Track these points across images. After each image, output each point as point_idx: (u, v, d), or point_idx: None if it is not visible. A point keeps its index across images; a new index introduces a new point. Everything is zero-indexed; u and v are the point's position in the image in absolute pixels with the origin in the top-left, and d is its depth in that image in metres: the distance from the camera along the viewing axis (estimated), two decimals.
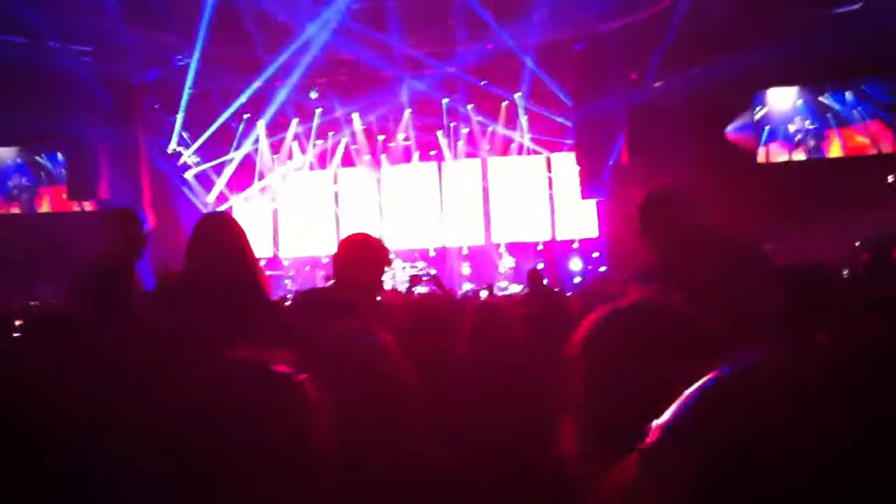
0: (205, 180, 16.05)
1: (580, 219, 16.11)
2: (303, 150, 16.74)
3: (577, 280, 14.54)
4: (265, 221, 16.75)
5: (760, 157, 15.02)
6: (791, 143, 14.97)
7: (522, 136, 16.46)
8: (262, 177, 16.74)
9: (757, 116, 14.97)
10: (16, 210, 15.23)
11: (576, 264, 15.57)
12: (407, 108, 16.25)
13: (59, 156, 15.35)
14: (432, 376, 2.44)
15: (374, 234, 3.91)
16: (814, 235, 11.16)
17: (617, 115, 14.26)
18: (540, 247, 16.33)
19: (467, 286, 14.92)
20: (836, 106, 14.82)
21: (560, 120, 15.87)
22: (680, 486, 0.76)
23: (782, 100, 15.06)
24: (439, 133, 16.68)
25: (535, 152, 16.70)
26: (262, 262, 15.63)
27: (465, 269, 15.99)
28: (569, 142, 15.87)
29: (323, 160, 16.95)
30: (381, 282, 3.80)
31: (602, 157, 14.46)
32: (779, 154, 15.00)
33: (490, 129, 16.61)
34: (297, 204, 16.99)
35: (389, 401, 2.11)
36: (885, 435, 0.69)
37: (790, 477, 0.69)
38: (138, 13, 13.16)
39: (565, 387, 1.58)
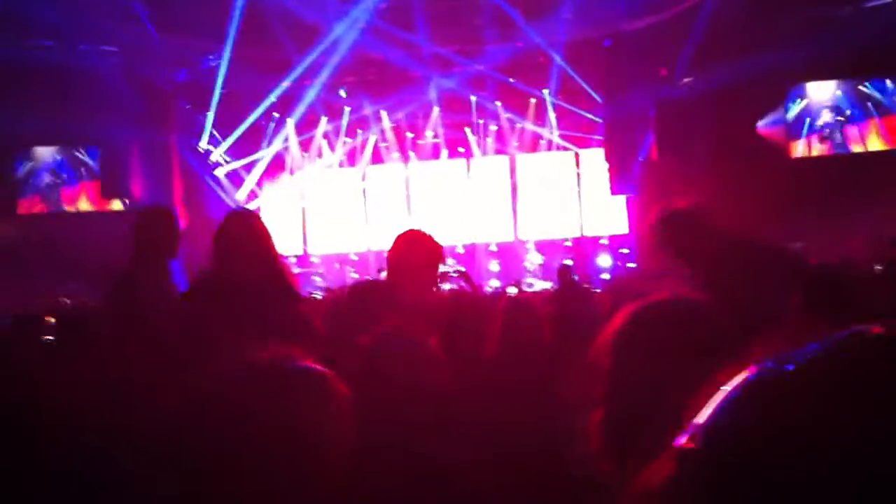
0: (235, 178, 16.16)
1: (609, 215, 16.02)
2: (332, 148, 16.80)
3: (605, 277, 14.46)
4: (295, 219, 16.83)
5: (801, 151, 14.84)
6: (821, 136, 14.82)
7: (551, 132, 16.41)
8: (291, 174, 16.83)
9: (795, 110, 14.80)
10: (41, 208, 15.36)
11: (605, 261, 15.49)
12: (435, 105, 16.25)
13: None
14: (461, 374, 2.44)
15: (425, 230, 3.89)
16: (845, 231, 11.03)
17: (646, 111, 14.18)
18: (568, 243, 16.26)
19: (495, 283, 14.90)
20: (877, 95, 14.62)
21: (589, 116, 15.80)
22: (717, 487, 0.75)
23: (821, 91, 14.89)
24: (468, 130, 16.67)
25: (564, 148, 16.64)
26: (292, 259, 15.84)
27: (494, 266, 15.96)
28: (598, 138, 15.79)
29: (352, 158, 17.00)
30: (435, 278, 3.79)
31: (631, 154, 14.39)
32: (816, 147, 14.85)
33: (519, 125, 16.57)
34: (326, 201, 17.05)
35: (424, 406, 2.10)
36: None
37: (835, 478, 0.67)
38: (168, 16, 13.28)
39: (595, 384, 1.58)
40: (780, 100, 14.76)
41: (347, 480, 1.48)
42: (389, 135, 16.77)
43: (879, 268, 6.78)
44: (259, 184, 16.51)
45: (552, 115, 16.16)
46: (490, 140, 16.78)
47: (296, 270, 14.71)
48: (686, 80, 14.01)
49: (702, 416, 0.79)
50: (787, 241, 10.55)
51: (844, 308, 2.90)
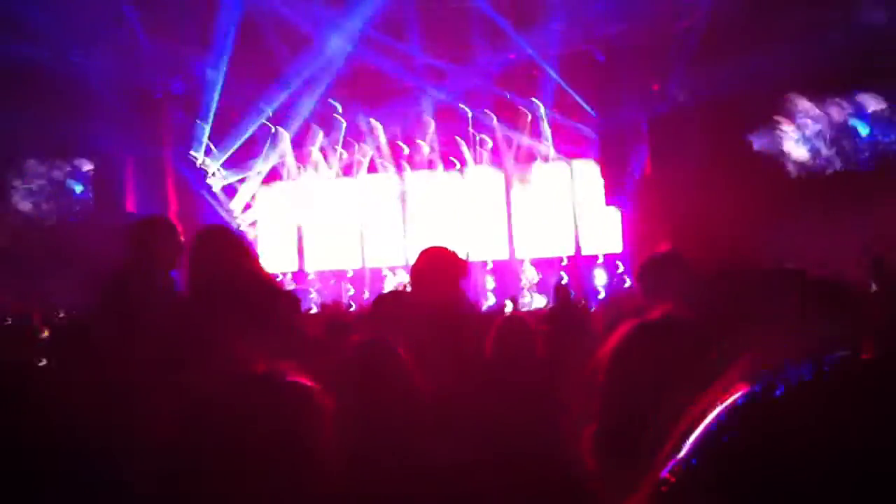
0: (231, 192, 16.15)
1: (604, 232, 16.03)
2: (327, 161, 16.80)
3: (601, 295, 14.47)
4: (290, 234, 16.81)
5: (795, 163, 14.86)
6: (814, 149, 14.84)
7: (546, 145, 16.42)
8: (287, 187, 16.82)
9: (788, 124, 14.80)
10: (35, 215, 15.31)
11: (600, 278, 15.49)
12: (430, 118, 16.28)
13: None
14: (454, 388, 2.44)
15: (450, 246, 3.91)
16: (837, 245, 11.05)
17: (639, 125, 14.23)
18: (564, 261, 16.26)
19: (491, 299, 14.89)
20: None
21: (583, 129, 15.83)
22: None
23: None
24: (462, 142, 16.68)
25: (559, 161, 16.60)
26: (288, 276, 15.80)
27: (490, 283, 15.96)
28: (592, 152, 15.83)
29: (348, 171, 16.99)
30: (459, 294, 3.79)
31: (625, 168, 14.43)
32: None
33: (513, 138, 16.59)
34: (321, 215, 17.03)
35: (403, 410, 2.11)
36: None
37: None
38: (164, 27, 13.31)
39: (590, 400, 1.57)
40: (772, 114, 14.78)
41: (331, 487, 1.48)
42: (385, 148, 16.77)
43: (874, 286, 6.80)
44: (254, 197, 16.50)
45: (547, 129, 16.18)
46: (485, 153, 16.79)
47: (291, 286, 14.70)
48: (678, 94, 14.06)
49: (684, 445, 0.77)
50: (779, 254, 10.62)
51: (838, 321, 2.90)
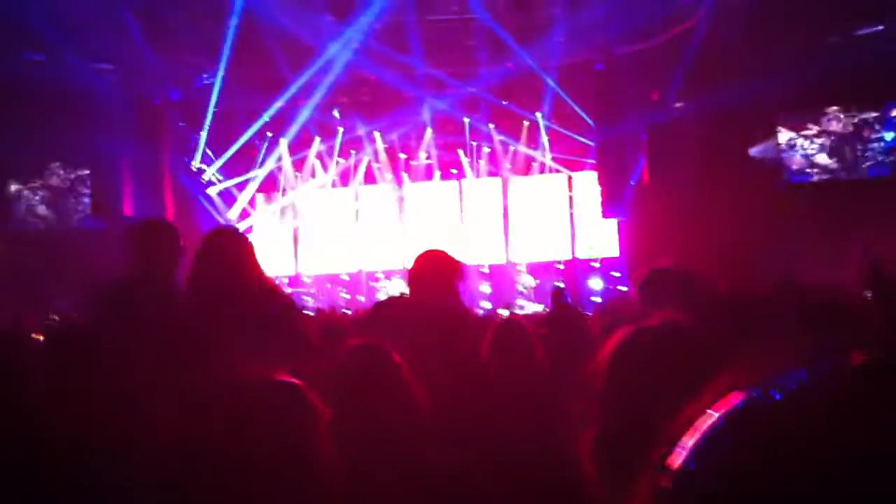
0: (228, 197, 16.16)
1: (601, 238, 16.06)
2: (325, 169, 16.82)
3: (597, 300, 14.48)
4: (287, 239, 16.83)
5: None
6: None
7: (544, 155, 16.47)
8: (284, 194, 16.84)
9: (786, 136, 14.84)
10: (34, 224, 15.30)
11: (596, 284, 15.51)
12: (428, 126, 16.31)
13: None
14: (453, 392, 2.45)
15: (448, 250, 3.93)
16: (836, 256, 11.08)
17: (638, 135, 14.25)
18: (561, 266, 16.28)
19: (486, 305, 14.89)
20: None
21: (581, 139, 15.87)
22: None
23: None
24: (461, 152, 16.72)
25: (557, 171, 16.69)
26: (284, 280, 15.78)
27: (485, 288, 15.96)
28: (590, 161, 15.87)
29: (345, 178, 17.02)
30: (455, 295, 3.80)
31: (623, 177, 14.44)
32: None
33: (511, 148, 16.63)
34: (318, 222, 17.06)
35: (398, 414, 2.12)
36: None
37: None
38: (162, 33, 13.31)
39: (587, 405, 1.58)
40: (771, 125, 14.82)
41: (329, 492, 1.49)
42: (382, 156, 16.80)
43: (869, 294, 6.80)
44: (252, 203, 16.52)
45: (545, 138, 16.22)
46: (483, 162, 16.83)
47: (287, 291, 14.69)
48: (677, 104, 14.09)
49: (679, 451, 0.77)
50: (776, 265, 10.65)
51: (836, 330, 2.91)
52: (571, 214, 16.71)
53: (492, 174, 16.92)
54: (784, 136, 14.76)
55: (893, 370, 0.71)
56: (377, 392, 2.15)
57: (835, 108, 14.62)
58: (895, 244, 11.02)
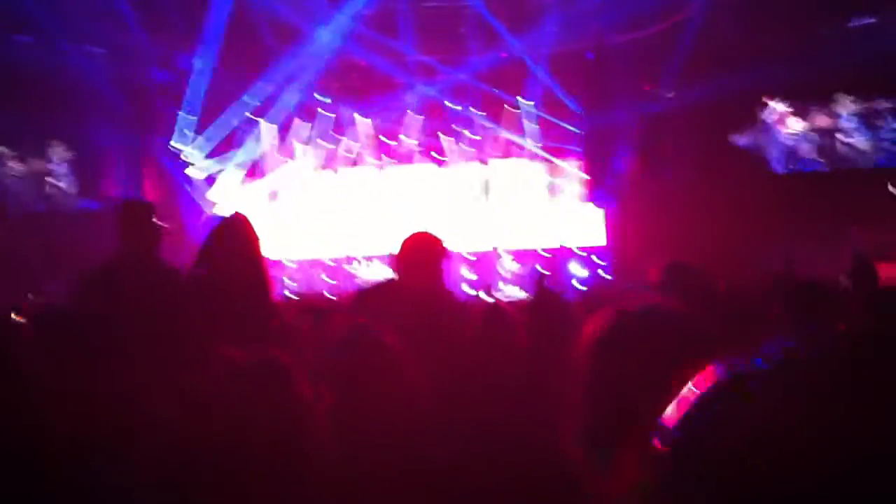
0: (210, 180, 16.05)
1: (587, 226, 16.07)
2: (308, 152, 16.73)
3: (580, 287, 14.50)
4: (269, 222, 16.74)
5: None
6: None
7: (529, 141, 16.43)
8: (266, 177, 16.75)
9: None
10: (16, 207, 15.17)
11: (580, 271, 15.53)
12: (412, 111, 16.26)
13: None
14: (441, 377, 2.45)
15: (431, 232, 3.95)
16: (826, 247, 11.16)
17: (627, 125, 14.26)
18: (545, 253, 16.28)
19: (468, 289, 14.89)
20: None
21: (568, 127, 15.86)
22: (687, 488, 0.74)
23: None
24: (444, 137, 16.67)
25: (542, 157, 16.65)
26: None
27: (467, 273, 15.95)
28: (576, 149, 15.87)
29: (328, 162, 16.94)
30: (441, 277, 3.83)
31: (610, 166, 14.46)
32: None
33: (497, 134, 16.60)
34: (301, 205, 16.98)
35: (395, 398, 2.12)
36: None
37: (802, 476, 0.67)
38: (148, 15, 13.20)
39: (571, 388, 1.58)
40: (762, 117, 14.86)
41: (323, 478, 1.49)
42: (365, 140, 16.72)
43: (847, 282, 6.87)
44: (234, 186, 16.41)
45: (531, 125, 16.20)
46: (467, 147, 16.78)
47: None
48: (669, 95, 14.11)
49: (670, 416, 0.79)
50: (765, 255, 10.71)
51: (824, 318, 2.95)
52: (556, 201, 16.69)
53: (475, 159, 16.87)
54: (773, 126, 14.80)
55: (865, 340, 0.73)
56: (368, 374, 2.15)
57: (826, 100, 14.68)
58: (885, 235, 11.13)
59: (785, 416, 0.69)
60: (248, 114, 15.73)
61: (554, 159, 16.54)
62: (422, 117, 16.35)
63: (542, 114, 15.89)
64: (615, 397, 1.50)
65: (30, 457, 1.79)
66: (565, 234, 16.36)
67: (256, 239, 3.54)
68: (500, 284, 15.25)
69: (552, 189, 16.70)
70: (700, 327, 1.59)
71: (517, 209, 16.76)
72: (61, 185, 15.04)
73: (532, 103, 15.74)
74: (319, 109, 16.16)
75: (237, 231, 3.54)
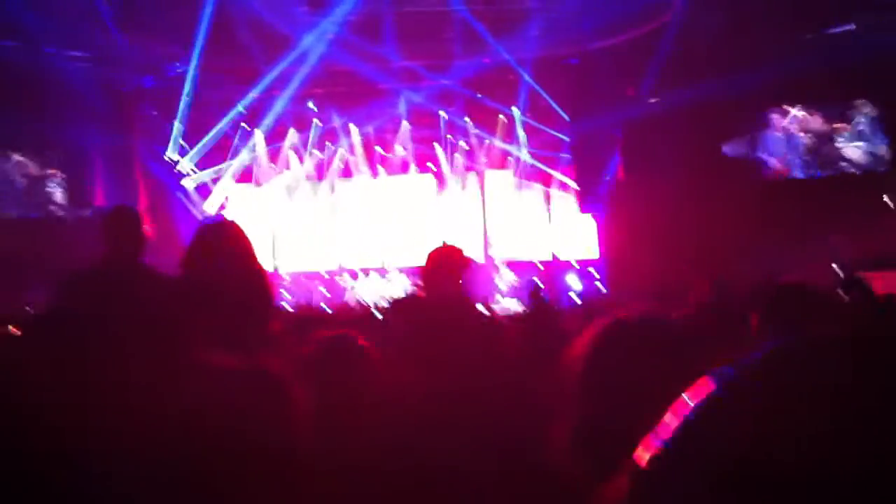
0: (202, 189, 16.02)
1: (580, 237, 16.08)
2: (300, 161, 16.73)
3: (575, 300, 14.49)
4: (262, 233, 16.71)
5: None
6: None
7: (520, 149, 16.44)
8: (259, 186, 16.73)
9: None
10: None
11: (575, 283, 15.52)
12: (404, 120, 16.27)
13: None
14: (432, 385, 2.44)
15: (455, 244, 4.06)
16: (810, 253, 11.18)
17: (613, 130, 14.30)
18: (539, 266, 16.27)
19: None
20: None
21: (558, 135, 15.88)
22: (679, 495, 0.74)
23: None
24: (437, 146, 16.68)
25: (533, 166, 16.62)
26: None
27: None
28: (565, 156, 15.90)
29: (320, 171, 16.93)
30: (466, 290, 3.92)
31: (599, 173, 14.49)
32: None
33: (487, 142, 16.61)
34: (294, 215, 16.96)
35: (375, 406, 2.12)
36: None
37: (793, 483, 0.67)
38: (136, 21, 13.20)
39: (566, 395, 1.57)
40: (746, 121, 14.89)
41: (307, 477, 1.48)
42: (358, 149, 16.72)
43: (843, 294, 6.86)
44: (225, 195, 16.38)
45: (521, 133, 16.21)
46: (459, 156, 16.80)
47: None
48: (653, 99, 14.14)
49: (660, 430, 0.80)
50: (751, 261, 10.73)
51: (806, 323, 2.96)
52: (550, 213, 16.70)
53: (468, 168, 16.89)
54: (759, 132, 14.82)
55: (852, 343, 0.74)
56: (348, 383, 2.15)
57: (809, 105, 14.71)
58: (869, 241, 11.16)
59: (775, 422, 0.71)
60: (241, 123, 15.73)
61: (545, 168, 16.53)
62: (410, 126, 16.37)
63: (530, 121, 15.91)
64: (610, 406, 1.48)
65: (16, 465, 1.77)
66: (560, 245, 16.36)
67: (247, 243, 3.52)
68: (498, 297, 15.23)
69: (546, 199, 16.71)
70: (694, 336, 1.58)
71: (512, 220, 16.77)
72: (50, 191, 14.98)
73: (518, 111, 15.77)
74: (315, 121, 16.16)
75: (223, 235, 3.51)
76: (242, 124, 15.84)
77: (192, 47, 13.61)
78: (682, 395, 0.81)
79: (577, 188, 14.97)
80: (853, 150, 14.57)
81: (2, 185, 14.89)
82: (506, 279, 15.83)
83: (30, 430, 1.82)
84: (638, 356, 1.52)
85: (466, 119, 16.20)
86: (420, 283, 4.00)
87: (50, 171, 14.93)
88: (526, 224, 16.66)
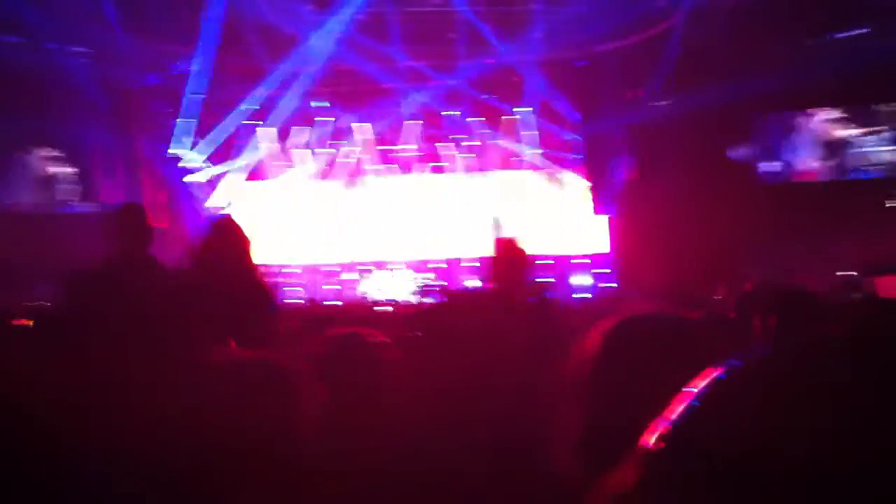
0: (206, 186, 16.05)
1: (590, 234, 16.06)
2: (307, 159, 16.75)
3: (584, 295, 14.49)
4: (266, 229, 16.72)
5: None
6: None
7: (528, 150, 16.43)
8: (266, 184, 16.77)
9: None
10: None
11: (584, 279, 15.51)
12: (411, 119, 16.27)
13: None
14: (438, 383, 2.43)
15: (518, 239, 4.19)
16: (814, 257, 11.19)
17: (623, 132, 14.30)
18: (550, 261, 16.23)
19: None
20: None
21: (567, 136, 15.88)
22: (682, 486, 0.77)
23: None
24: (443, 145, 16.67)
25: (542, 167, 16.64)
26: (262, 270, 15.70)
27: (472, 282, 15.96)
28: (575, 157, 15.91)
29: (327, 169, 16.95)
30: (530, 281, 4.03)
31: (610, 174, 14.49)
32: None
33: (495, 142, 16.60)
34: (300, 212, 16.99)
35: (387, 402, 2.12)
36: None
37: (793, 473, 0.70)
38: (142, 19, 13.24)
39: (574, 394, 1.56)
40: (752, 125, 14.87)
41: (316, 475, 1.48)
42: (365, 147, 16.73)
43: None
44: (230, 192, 16.41)
45: (529, 133, 16.20)
46: (467, 156, 16.79)
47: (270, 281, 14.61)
48: (659, 103, 14.14)
49: (667, 417, 0.84)
50: (756, 263, 10.73)
51: (810, 325, 2.98)
52: (560, 210, 16.68)
53: (476, 168, 16.88)
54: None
55: (856, 342, 0.76)
56: (359, 380, 2.16)
57: (815, 109, 14.67)
58: (875, 244, 11.13)
59: (777, 413, 0.74)
60: (246, 120, 15.75)
61: (555, 167, 16.53)
62: (419, 123, 16.37)
63: (540, 121, 15.90)
64: (616, 403, 1.48)
65: (19, 457, 1.77)
66: (569, 242, 16.34)
67: (246, 241, 3.55)
68: None
69: (555, 197, 16.70)
70: (703, 333, 1.57)
71: (521, 217, 16.77)
72: (54, 187, 15.03)
73: (531, 109, 15.76)
74: (319, 117, 16.18)
75: (227, 232, 3.55)
76: (248, 122, 15.86)
77: (197, 45, 13.64)
78: (689, 383, 0.84)
79: (589, 189, 14.99)
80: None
81: (11, 180, 14.94)
82: None
83: (33, 427, 1.82)
84: (650, 355, 1.51)
85: (473, 119, 16.18)
86: (487, 274, 4.12)
87: (54, 168, 14.98)
88: (535, 221, 16.63)
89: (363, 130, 16.43)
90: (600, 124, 14.32)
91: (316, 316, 5.25)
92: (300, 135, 16.41)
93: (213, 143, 15.51)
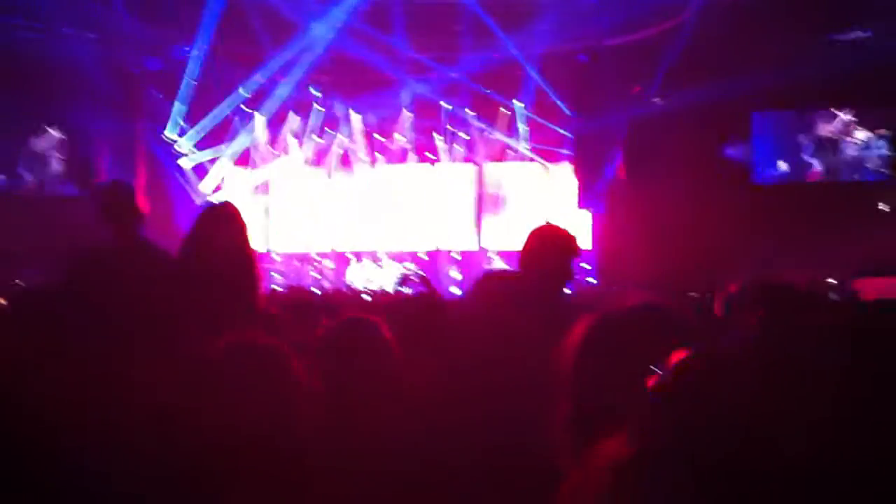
0: (200, 171, 16.00)
1: (574, 230, 16.04)
2: (300, 146, 16.70)
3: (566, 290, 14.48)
4: (258, 215, 16.69)
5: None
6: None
7: (521, 143, 16.43)
8: (257, 169, 16.71)
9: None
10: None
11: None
12: (406, 109, 16.24)
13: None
14: (419, 371, 2.45)
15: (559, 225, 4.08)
16: (808, 257, 11.23)
17: (616, 128, 14.29)
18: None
19: (455, 290, 14.91)
20: None
21: (560, 130, 15.87)
22: (668, 462, 0.76)
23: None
24: (437, 136, 16.65)
25: (533, 160, 16.64)
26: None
27: (455, 274, 15.98)
28: (567, 152, 15.90)
29: (319, 157, 16.90)
30: (569, 271, 3.91)
31: (600, 170, 14.49)
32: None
33: (488, 134, 16.59)
34: (290, 200, 16.96)
35: (387, 391, 2.12)
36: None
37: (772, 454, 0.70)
38: (142, 3, 13.17)
39: (557, 387, 1.59)
40: (748, 125, 14.91)
41: (313, 459, 1.49)
42: (358, 136, 16.69)
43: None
44: (224, 177, 16.36)
45: (523, 127, 16.20)
46: (459, 147, 16.76)
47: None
48: (658, 99, 14.15)
49: (655, 394, 0.83)
50: (748, 264, 10.78)
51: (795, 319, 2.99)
52: (546, 204, 16.67)
53: (467, 159, 16.86)
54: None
55: (834, 332, 0.78)
56: (362, 368, 2.16)
57: (813, 110, 14.71)
58: (870, 246, 11.20)
59: (762, 396, 0.74)
60: (241, 105, 15.69)
61: (544, 162, 16.54)
62: (412, 115, 16.34)
63: (533, 116, 15.89)
64: (602, 391, 1.51)
65: (16, 444, 1.78)
66: None
67: (245, 227, 3.56)
68: None
69: (542, 192, 16.70)
70: (685, 324, 1.61)
71: (507, 211, 16.77)
72: (50, 169, 14.96)
73: (523, 105, 15.75)
74: (314, 104, 16.13)
75: (226, 218, 3.55)
76: (243, 107, 15.80)
77: (200, 32, 13.58)
78: (662, 365, 0.83)
79: (578, 183, 14.97)
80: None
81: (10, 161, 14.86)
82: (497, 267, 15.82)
83: (28, 418, 1.83)
84: (635, 345, 1.54)
85: (468, 110, 16.16)
86: (521, 262, 3.96)
87: (53, 149, 14.91)
88: (521, 215, 16.64)
89: (357, 119, 16.39)
90: (595, 119, 14.31)
91: (307, 303, 5.25)
92: (294, 122, 16.36)
93: (206, 127, 15.45)
